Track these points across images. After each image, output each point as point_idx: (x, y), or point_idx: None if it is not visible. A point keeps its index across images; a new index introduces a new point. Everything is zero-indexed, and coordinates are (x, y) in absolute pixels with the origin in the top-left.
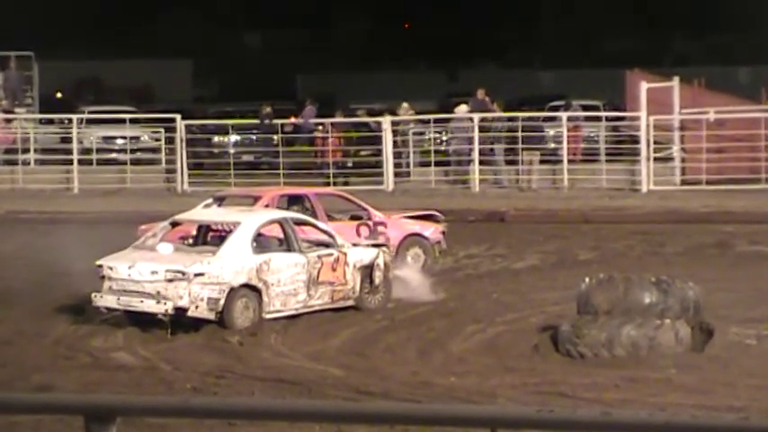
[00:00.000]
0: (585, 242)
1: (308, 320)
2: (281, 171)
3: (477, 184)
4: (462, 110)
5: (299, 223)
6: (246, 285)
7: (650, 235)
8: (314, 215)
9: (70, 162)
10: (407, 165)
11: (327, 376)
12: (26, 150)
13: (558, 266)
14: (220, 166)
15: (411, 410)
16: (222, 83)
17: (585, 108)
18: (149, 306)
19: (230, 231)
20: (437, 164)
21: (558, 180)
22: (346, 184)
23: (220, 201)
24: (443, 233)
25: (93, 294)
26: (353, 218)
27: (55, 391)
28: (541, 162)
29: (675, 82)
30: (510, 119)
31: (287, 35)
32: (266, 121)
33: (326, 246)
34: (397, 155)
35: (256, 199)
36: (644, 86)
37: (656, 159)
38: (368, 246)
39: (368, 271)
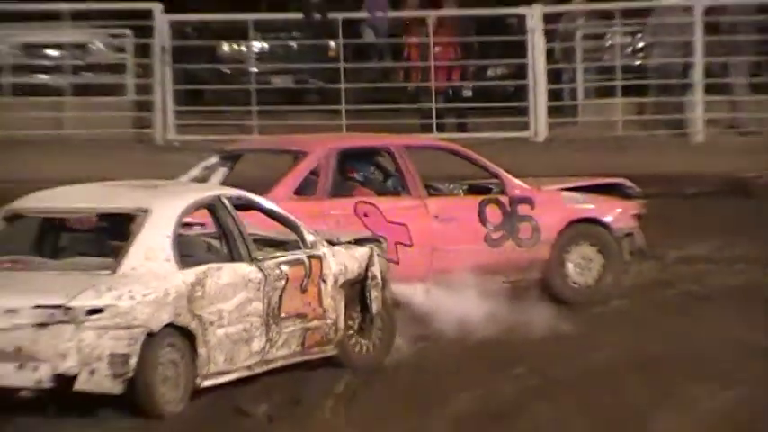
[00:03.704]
0: None
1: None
2: (342, 106)
3: (703, 129)
4: None
5: (243, 206)
6: (172, 326)
7: None
8: (402, 183)
9: None
10: (573, 93)
11: None
12: None
13: None
14: (233, 96)
15: None
16: None
17: None
18: (4, 375)
19: (130, 228)
20: (627, 91)
21: None
22: (463, 128)
23: (232, 159)
24: (638, 218)
25: None
26: (474, 190)
27: None
28: None
29: None
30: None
31: None
32: (316, 17)
33: (284, 245)
34: (554, 75)
35: (299, 155)
36: None
37: None
38: (350, 242)
39: (357, 289)
